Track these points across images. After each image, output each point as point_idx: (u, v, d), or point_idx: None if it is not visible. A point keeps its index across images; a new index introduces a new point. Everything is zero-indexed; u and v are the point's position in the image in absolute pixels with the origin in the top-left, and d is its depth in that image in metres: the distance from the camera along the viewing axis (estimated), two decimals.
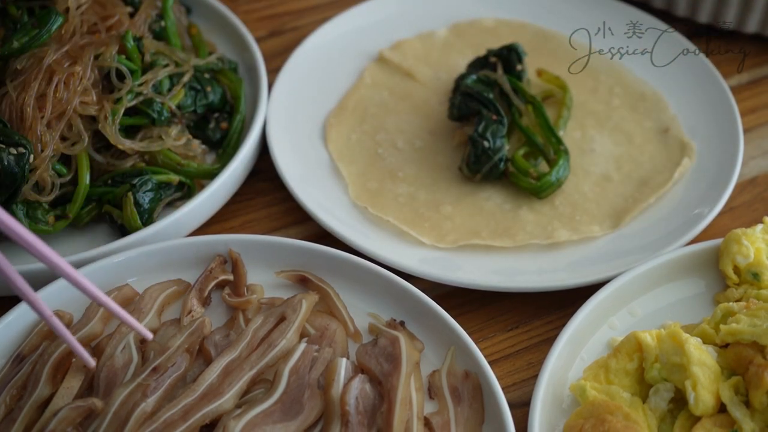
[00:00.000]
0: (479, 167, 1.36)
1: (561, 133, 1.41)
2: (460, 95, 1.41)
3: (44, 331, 1.17)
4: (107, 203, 1.30)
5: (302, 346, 1.14)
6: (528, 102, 1.40)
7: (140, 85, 1.34)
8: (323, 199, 1.35)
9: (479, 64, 1.47)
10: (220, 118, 1.44)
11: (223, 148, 1.41)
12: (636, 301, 1.24)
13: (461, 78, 1.44)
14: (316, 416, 1.09)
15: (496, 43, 1.49)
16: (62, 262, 0.96)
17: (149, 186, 1.30)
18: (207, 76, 1.44)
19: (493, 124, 1.36)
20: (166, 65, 1.38)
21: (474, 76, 1.42)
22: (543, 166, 1.37)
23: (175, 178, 1.33)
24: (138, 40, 1.36)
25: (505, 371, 1.21)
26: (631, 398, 1.11)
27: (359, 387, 1.10)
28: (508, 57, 1.45)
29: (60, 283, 1.19)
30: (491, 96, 1.39)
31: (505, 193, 1.37)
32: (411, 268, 1.25)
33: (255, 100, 1.44)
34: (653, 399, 1.11)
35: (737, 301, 1.21)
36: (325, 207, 1.33)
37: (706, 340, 1.14)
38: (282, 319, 1.17)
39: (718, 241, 1.26)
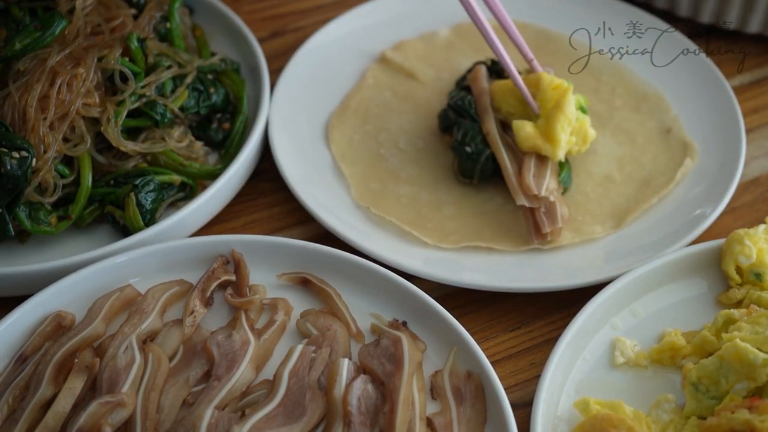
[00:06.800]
0: (471, 172, 1.36)
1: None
2: (446, 108, 1.42)
3: (47, 331, 1.17)
4: (109, 204, 1.30)
5: (299, 347, 1.14)
6: None
7: (143, 87, 1.34)
8: (325, 200, 1.35)
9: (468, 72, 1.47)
10: (222, 119, 1.44)
11: (226, 149, 1.41)
12: (638, 302, 1.24)
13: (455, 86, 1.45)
14: (319, 417, 1.09)
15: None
16: None
17: (151, 186, 1.30)
18: (210, 77, 1.44)
19: (471, 129, 1.37)
20: (169, 67, 1.38)
21: (459, 87, 1.44)
22: None
23: (177, 179, 1.33)
24: (142, 41, 1.36)
25: (508, 371, 1.21)
26: (635, 412, 1.11)
27: (361, 387, 1.10)
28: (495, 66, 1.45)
29: (62, 284, 1.19)
30: (466, 103, 1.39)
31: (506, 194, 1.36)
32: (413, 269, 1.25)
33: (257, 100, 1.44)
34: (655, 411, 1.11)
35: (739, 302, 1.21)
36: (328, 207, 1.33)
37: (706, 347, 1.14)
38: None
39: (721, 241, 1.26)
